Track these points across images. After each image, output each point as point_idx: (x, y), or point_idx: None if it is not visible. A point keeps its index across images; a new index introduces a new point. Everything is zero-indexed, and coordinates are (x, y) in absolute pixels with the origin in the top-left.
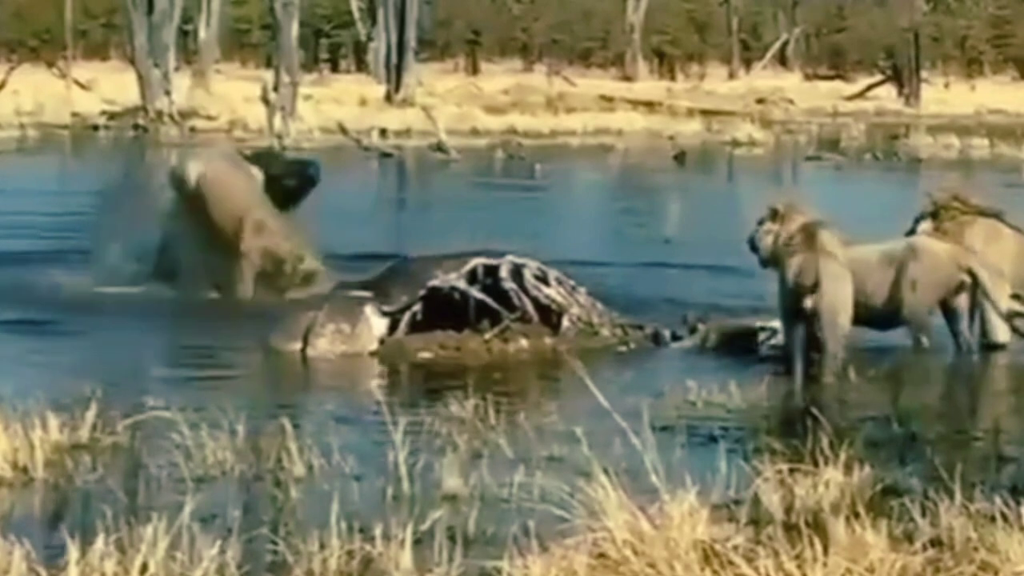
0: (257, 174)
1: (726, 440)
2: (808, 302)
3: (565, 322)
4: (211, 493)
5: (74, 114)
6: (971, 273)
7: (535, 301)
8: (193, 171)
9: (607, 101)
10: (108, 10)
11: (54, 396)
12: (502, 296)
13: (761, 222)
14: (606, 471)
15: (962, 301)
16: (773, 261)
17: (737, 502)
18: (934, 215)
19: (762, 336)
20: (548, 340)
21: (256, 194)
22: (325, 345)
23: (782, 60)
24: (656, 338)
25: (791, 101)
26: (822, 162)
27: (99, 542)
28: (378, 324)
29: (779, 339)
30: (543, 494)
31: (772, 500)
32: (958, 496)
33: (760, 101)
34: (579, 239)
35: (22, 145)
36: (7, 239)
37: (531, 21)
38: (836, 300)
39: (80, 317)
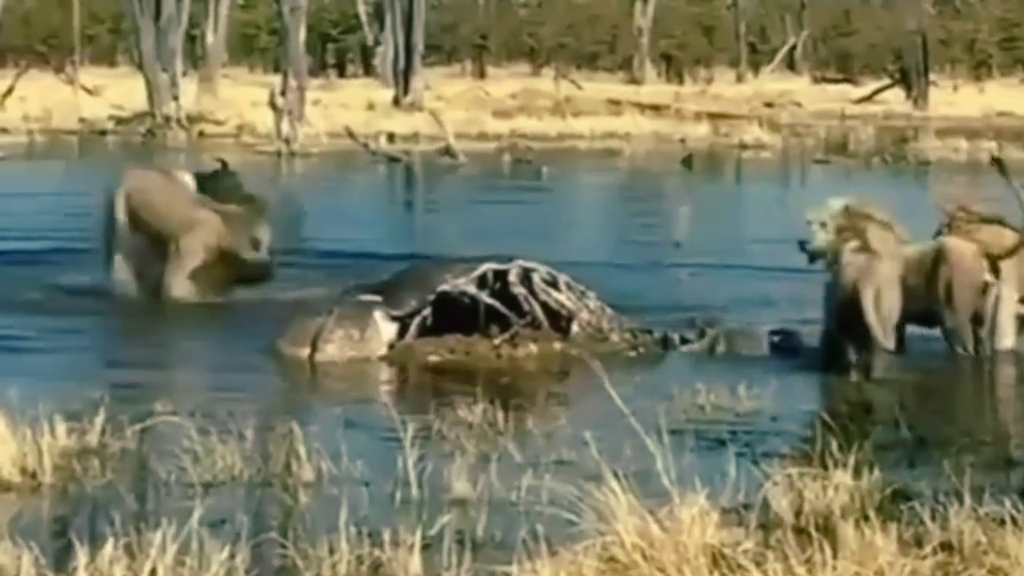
0: (189, 181)
1: (735, 444)
2: (867, 301)
3: (574, 327)
4: (220, 498)
5: (82, 119)
6: (995, 270)
7: (544, 306)
8: (119, 192)
9: (615, 105)
10: (115, 15)
11: (62, 401)
12: (512, 301)
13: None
14: (615, 475)
15: (986, 303)
16: (826, 258)
17: (747, 506)
18: (949, 227)
19: (771, 339)
20: (557, 345)
21: (185, 198)
22: (334, 350)
23: (790, 63)
24: (665, 342)
25: (799, 104)
26: (830, 165)
27: (108, 547)
28: (387, 329)
29: (789, 343)
30: (552, 498)
31: (781, 504)
32: (967, 500)
33: (768, 104)
34: (587, 243)
35: (30, 151)
36: (15, 240)
37: (538, 25)
38: (891, 299)
39: (86, 320)
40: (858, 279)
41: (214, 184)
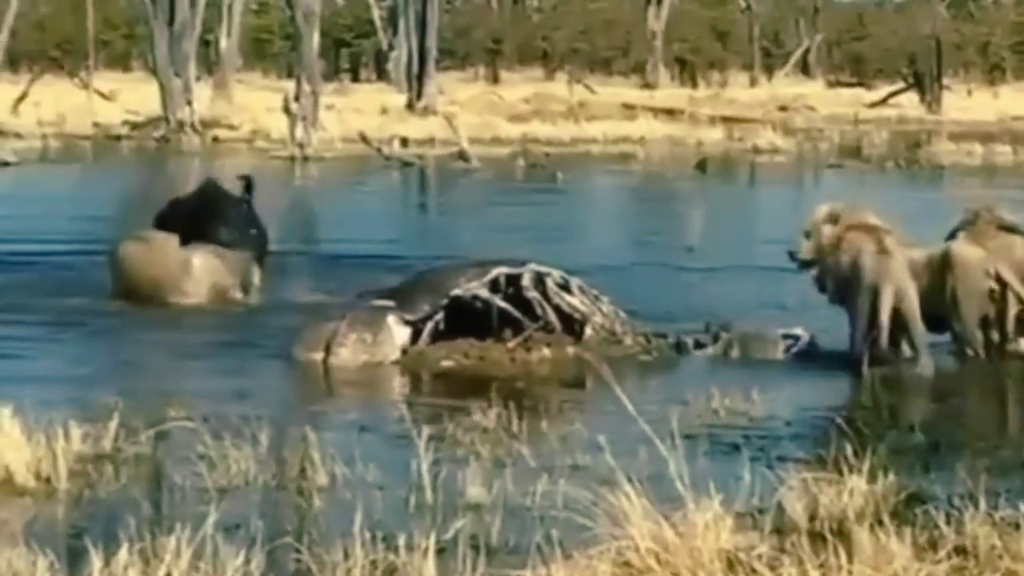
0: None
1: (749, 448)
2: (904, 304)
3: (588, 331)
4: (234, 503)
5: (96, 124)
6: (1000, 280)
7: (558, 310)
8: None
9: (628, 109)
10: (129, 21)
11: (77, 406)
12: (525, 305)
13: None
14: (630, 479)
15: (992, 309)
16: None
17: (761, 510)
18: (969, 224)
19: (785, 344)
20: (571, 349)
21: (176, 257)
22: (348, 354)
23: (804, 67)
24: (679, 346)
25: (813, 108)
26: (844, 169)
27: (123, 552)
28: (400, 333)
29: (803, 347)
30: (566, 503)
31: (796, 508)
32: (982, 504)
33: (782, 108)
34: (601, 247)
35: (44, 155)
36: (28, 244)
37: (552, 29)
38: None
39: (99, 325)
40: (877, 280)
41: (226, 209)
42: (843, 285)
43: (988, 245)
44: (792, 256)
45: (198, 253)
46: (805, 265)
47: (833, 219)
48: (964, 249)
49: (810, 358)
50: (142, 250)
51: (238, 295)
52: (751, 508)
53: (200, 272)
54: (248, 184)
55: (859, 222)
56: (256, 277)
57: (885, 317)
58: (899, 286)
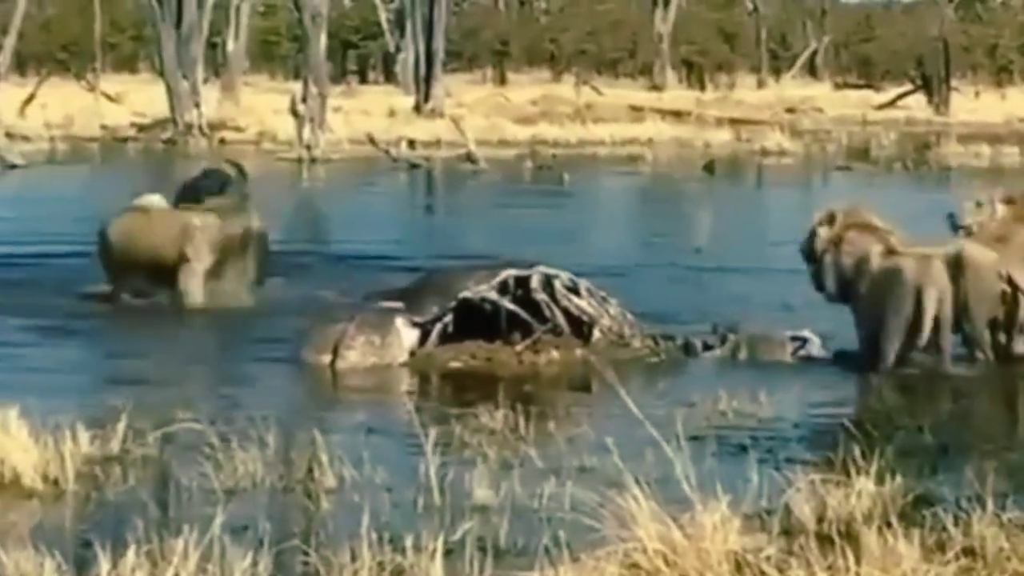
0: (160, 202)
1: (757, 450)
2: (943, 307)
3: (596, 333)
4: (242, 505)
5: (103, 127)
6: (1011, 283)
7: (566, 312)
8: (107, 231)
9: (636, 111)
10: (137, 23)
11: (84, 408)
12: (533, 307)
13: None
14: (637, 481)
15: (1002, 311)
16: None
17: (769, 512)
18: (1010, 201)
19: (792, 346)
20: (579, 351)
21: (169, 221)
22: (356, 356)
23: (811, 69)
24: (687, 348)
25: (820, 110)
26: (852, 171)
27: (130, 554)
28: (409, 335)
29: (811, 349)
30: (574, 504)
31: (804, 510)
32: (990, 506)
33: (789, 110)
34: (609, 249)
35: (52, 158)
36: (35, 246)
37: (559, 31)
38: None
39: (106, 327)
40: (919, 281)
41: (196, 190)
42: (845, 284)
43: (999, 244)
44: (802, 254)
45: (196, 214)
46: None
47: (830, 220)
48: (977, 251)
49: (818, 360)
50: (140, 219)
51: (240, 266)
52: (759, 510)
53: (200, 234)
54: (240, 170)
55: (858, 222)
56: (255, 220)
57: (929, 319)
58: (941, 288)
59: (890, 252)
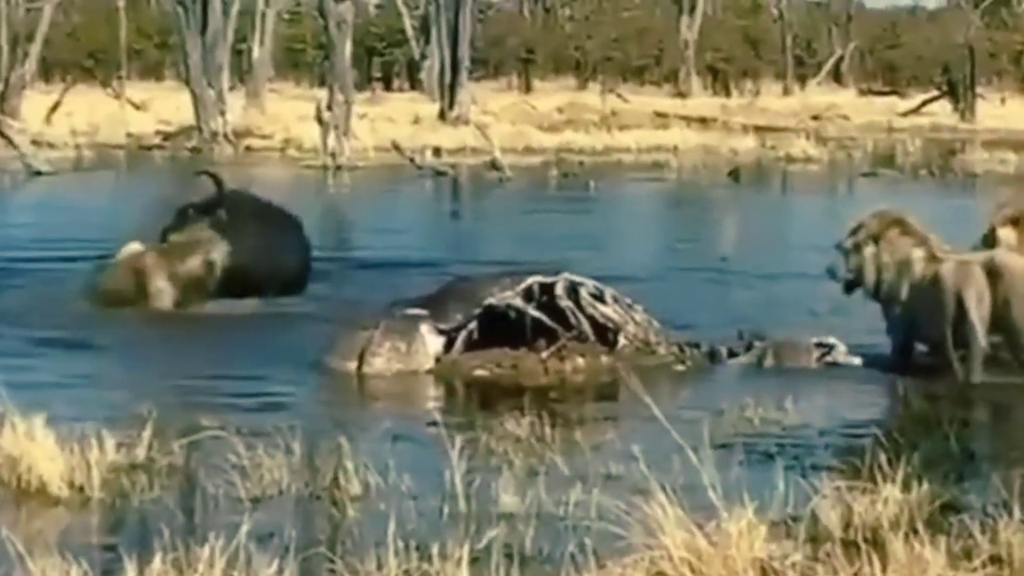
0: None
1: (783, 457)
2: (981, 311)
3: (621, 340)
4: (268, 512)
5: (129, 134)
6: None
7: (591, 319)
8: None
9: (661, 118)
10: (162, 30)
11: (109, 416)
12: (558, 314)
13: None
14: (663, 489)
15: None
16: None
17: (795, 519)
18: (1015, 222)
19: (818, 352)
20: (604, 358)
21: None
22: (381, 363)
23: (836, 76)
24: (713, 355)
25: (846, 117)
26: (877, 178)
27: (156, 561)
28: (434, 342)
29: (837, 355)
30: (600, 512)
31: (830, 517)
32: (1017, 513)
33: (815, 117)
34: (634, 256)
35: (77, 165)
36: (58, 251)
37: (584, 39)
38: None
39: (130, 334)
40: (959, 285)
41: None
42: (880, 280)
43: None
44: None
45: (150, 255)
46: (849, 287)
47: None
48: (1010, 258)
49: (844, 367)
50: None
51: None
52: (785, 517)
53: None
54: (218, 185)
55: (900, 223)
56: (219, 253)
57: (975, 318)
58: (980, 291)
59: (932, 258)
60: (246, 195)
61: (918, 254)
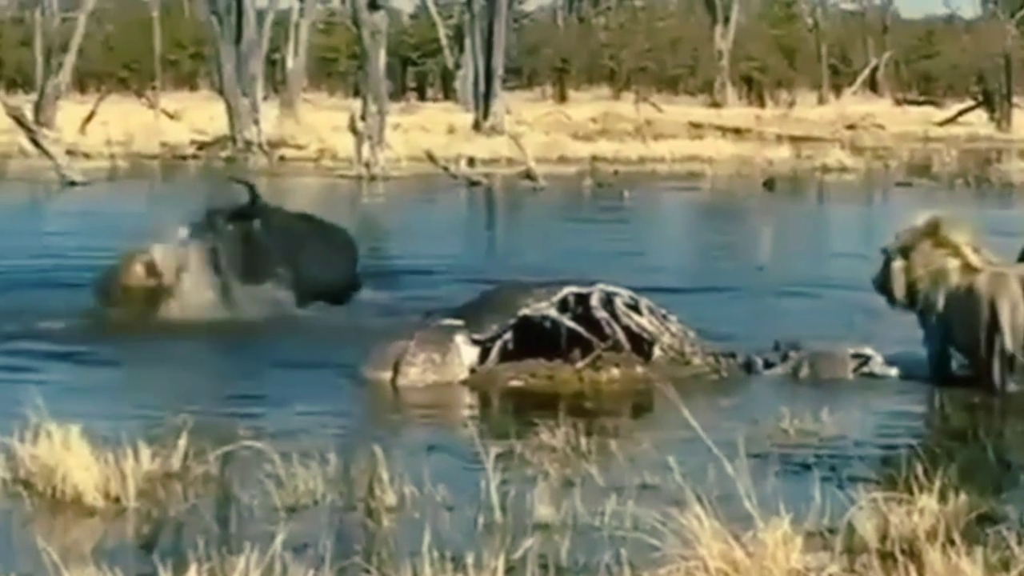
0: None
1: (820, 468)
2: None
3: (657, 351)
4: (303, 523)
5: (163, 144)
6: None
7: (627, 330)
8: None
9: (696, 128)
10: (196, 40)
11: (145, 425)
12: (594, 325)
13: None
14: (699, 499)
15: None
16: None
17: (831, 530)
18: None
19: (855, 363)
20: (640, 369)
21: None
22: (416, 374)
23: (872, 86)
24: (748, 366)
25: (881, 127)
26: (913, 188)
27: (191, 571)
28: (469, 353)
29: (873, 366)
30: (635, 523)
31: (867, 528)
32: None
33: (850, 127)
34: (669, 266)
35: (112, 175)
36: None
37: (619, 48)
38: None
39: (166, 343)
40: (993, 295)
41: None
42: (916, 294)
43: None
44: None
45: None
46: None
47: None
48: None
49: (880, 377)
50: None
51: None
52: (821, 528)
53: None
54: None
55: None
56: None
57: (1007, 327)
58: (1014, 300)
59: (968, 268)
60: (290, 212)
61: (953, 264)
